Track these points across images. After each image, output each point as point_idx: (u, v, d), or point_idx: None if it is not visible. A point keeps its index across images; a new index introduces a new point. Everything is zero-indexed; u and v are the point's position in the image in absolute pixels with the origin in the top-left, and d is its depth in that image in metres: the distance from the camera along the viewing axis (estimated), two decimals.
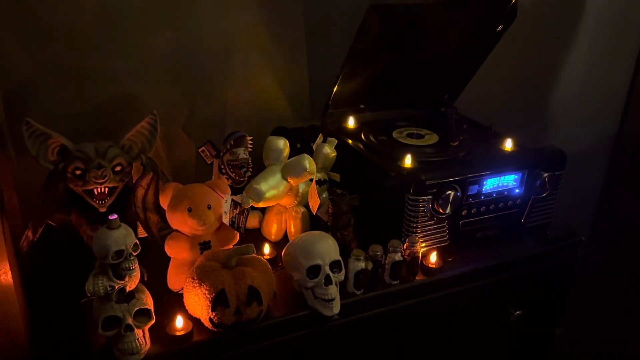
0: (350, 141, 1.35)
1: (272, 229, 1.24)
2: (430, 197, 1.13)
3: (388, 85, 1.47)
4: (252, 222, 1.27)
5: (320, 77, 1.47)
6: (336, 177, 1.31)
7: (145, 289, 0.96)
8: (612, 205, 2.09)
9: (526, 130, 1.73)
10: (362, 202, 1.18)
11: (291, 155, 1.20)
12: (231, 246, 1.10)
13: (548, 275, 1.31)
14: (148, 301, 0.94)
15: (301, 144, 1.39)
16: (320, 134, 1.34)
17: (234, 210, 1.09)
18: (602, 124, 2.01)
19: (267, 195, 1.11)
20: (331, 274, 1.02)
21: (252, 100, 1.44)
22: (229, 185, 1.21)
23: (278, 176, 1.14)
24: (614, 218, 2.08)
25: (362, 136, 1.37)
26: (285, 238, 1.25)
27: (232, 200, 1.08)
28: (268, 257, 1.17)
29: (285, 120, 1.48)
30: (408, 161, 1.20)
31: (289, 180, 1.14)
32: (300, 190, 1.23)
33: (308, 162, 1.12)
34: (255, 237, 1.27)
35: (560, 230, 1.32)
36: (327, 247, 1.03)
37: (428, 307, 1.18)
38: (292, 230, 1.23)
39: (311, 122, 1.49)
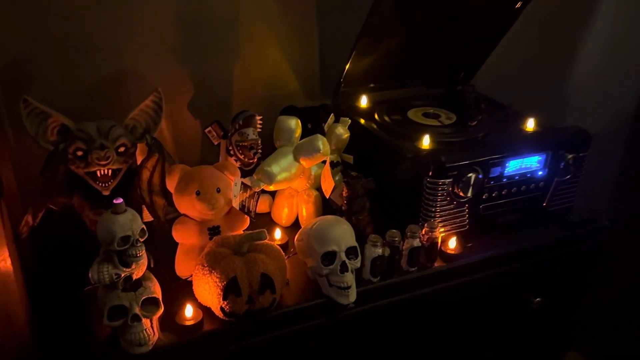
0: (363, 121, 1.29)
1: (283, 214, 1.19)
2: (451, 180, 1.07)
3: (403, 62, 1.40)
4: (262, 206, 1.22)
5: (332, 53, 1.40)
6: (349, 158, 1.25)
7: (153, 277, 0.91)
8: (629, 187, 2.03)
9: (543, 109, 1.67)
10: (377, 186, 1.12)
11: (302, 136, 1.14)
12: (241, 231, 1.05)
13: (570, 262, 1.26)
14: (156, 289, 0.89)
15: (312, 124, 1.32)
16: (332, 114, 1.28)
17: (244, 194, 1.03)
18: (620, 102, 1.94)
19: (279, 177, 1.05)
20: (347, 261, 0.96)
21: (259, 78, 1.37)
22: (237, 167, 1.15)
23: (290, 158, 1.08)
24: (632, 200, 2.02)
25: (376, 116, 1.31)
26: (296, 223, 1.20)
27: (242, 183, 1.03)
28: (279, 243, 1.11)
29: (295, 99, 1.41)
30: (426, 142, 1.14)
31: (302, 162, 1.08)
32: (313, 173, 1.17)
33: (321, 142, 1.06)
34: (265, 221, 1.21)
35: (582, 214, 1.27)
36: (342, 233, 0.98)
37: (446, 295, 1.13)
38: (304, 214, 1.17)
39: (322, 101, 1.43)
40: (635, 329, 1.96)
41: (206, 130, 1.23)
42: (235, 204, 1.01)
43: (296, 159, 1.08)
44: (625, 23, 1.79)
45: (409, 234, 1.04)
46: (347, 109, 1.36)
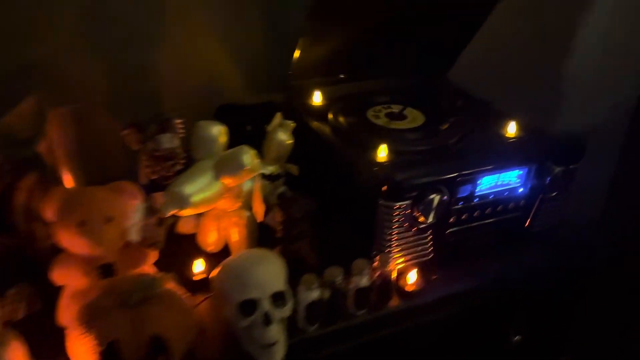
0: (313, 123, 1.07)
1: (210, 238, 0.98)
2: (409, 202, 0.87)
3: (365, 50, 1.17)
4: (186, 225, 1.01)
5: (284, 40, 1.17)
6: (294, 169, 1.04)
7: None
8: (626, 189, 1.82)
9: (531, 106, 1.46)
10: (326, 206, 0.92)
11: (238, 142, 0.92)
12: (146, 268, 0.84)
13: (557, 291, 1.06)
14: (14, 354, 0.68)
15: (253, 126, 1.11)
16: (279, 113, 1.06)
17: (149, 221, 0.82)
18: (619, 95, 1.72)
19: (194, 200, 0.84)
20: (273, 310, 0.76)
21: (192, 69, 1.15)
22: (154, 182, 0.95)
23: (209, 174, 0.86)
24: (627, 202, 1.81)
25: (330, 116, 1.09)
26: (228, 248, 0.99)
27: (146, 207, 0.82)
28: (201, 277, 0.91)
29: (237, 95, 1.19)
30: (382, 152, 0.93)
31: (223, 181, 0.87)
32: (245, 189, 0.96)
33: (247, 156, 0.84)
34: (190, 246, 1.00)
35: (572, 234, 1.06)
36: (267, 274, 0.78)
37: (406, 338, 0.93)
38: (235, 240, 0.96)
39: (272, 97, 1.21)
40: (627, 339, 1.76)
41: (123, 133, 1.01)
42: (134, 236, 0.80)
43: (217, 177, 0.87)
44: (627, 10, 1.57)
45: (354, 271, 0.84)
46: (298, 106, 1.14)
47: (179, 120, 0.97)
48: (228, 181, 0.87)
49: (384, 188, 0.86)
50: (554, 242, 1.03)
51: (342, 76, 1.20)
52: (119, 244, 0.80)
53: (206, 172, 0.86)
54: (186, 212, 0.86)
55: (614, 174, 1.83)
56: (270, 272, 0.78)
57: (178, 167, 0.96)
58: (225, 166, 0.86)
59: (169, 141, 0.94)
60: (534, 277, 1.02)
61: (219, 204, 0.93)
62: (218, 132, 0.89)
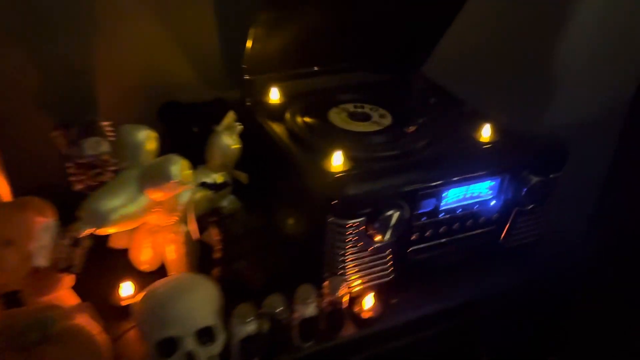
0: (269, 124, 0.96)
1: (143, 256, 0.87)
2: (363, 219, 0.76)
3: (331, 40, 1.05)
4: (119, 240, 0.90)
5: (239, 25, 1.03)
6: (243, 177, 0.93)
7: None
8: (620, 190, 1.71)
9: (514, 102, 1.36)
10: (276, 220, 0.81)
11: (186, 146, 0.82)
12: (63, 294, 0.74)
13: (533, 314, 0.96)
14: None
15: (201, 127, 1.00)
16: (231, 112, 0.95)
17: (62, 242, 0.72)
18: (612, 90, 1.61)
19: (114, 217, 0.73)
20: (198, 349, 0.66)
21: (132, 61, 1.02)
22: (81, 192, 0.84)
23: (133, 187, 0.75)
24: (620, 205, 1.71)
25: (287, 115, 0.98)
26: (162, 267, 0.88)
27: (59, 226, 0.71)
28: (130, 302, 0.80)
29: (188, 93, 1.07)
30: (337, 160, 0.82)
31: (149, 195, 0.76)
32: (183, 201, 0.85)
33: (175, 167, 0.73)
34: (123, 264, 0.89)
35: (553, 248, 0.96)
36: (191, 307, 0.67)
37: None
38: (171, 258, 0.85)
39: (228, 94, 1.09)
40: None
41: (52, 135, 0.90)
42: (42, 261, 0.69)
43: (141, 189, 0.76)
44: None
45: (298, 300, 0.73)
46: (253, 105, 1.03)
47: (106, 123, 0.86)
48: (155, 195, 0.76)
49: (334, 203, 0.75)
50: (530, 260, 0.93)
51: (303, 71, 1.08)
52: (24, 269, 0.69)
53: (129, 184, 0.75)
54: (105, 231, 0.75)
55: (606, 179, 1.72)
56: (195, 305, 0.68)
57: (104, 177, 0.85)
58: (150, 178, 0.75)
59: (93, 147, 0.83)
60: (508, 298, 0.91)
61: (151, 219, 0.82)
62: (145, 137, 0.78)
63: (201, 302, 0.68)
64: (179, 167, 0.74)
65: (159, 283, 0.71)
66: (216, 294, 0.71)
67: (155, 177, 0.74)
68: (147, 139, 0.78)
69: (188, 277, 0.72)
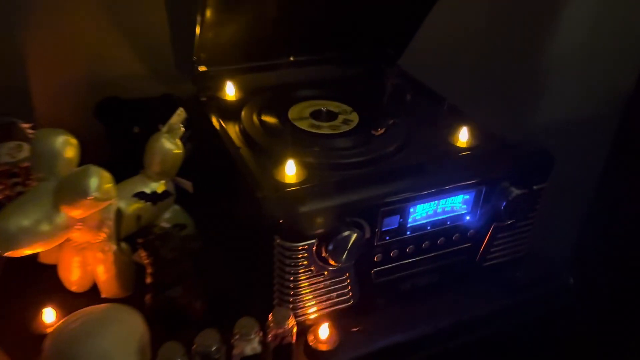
0: (222, 124, 0.85)
1: (72, 276, 0.76)
2: (315, 241, 0.66)
3: (296, 28, 0.95)
4: (51, 255, 0.79)
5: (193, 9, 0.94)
6: (188, 186, 0.82)
7: None
8: (611, 193, 1.61)
9: (500, 98, 1.26)
10: (225, 237, 0.71)
11: (126, 148, 0.72)
12: None
13: (512, 338, 0.87)
14: None
15: (143, 127, 0.89)
16: (180, 109, 0.84)
17: None
18: (611, 85, 1.50)
19: (24, 238, 0.63)
20: None
21: (68, 50, 0.91)
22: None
23: (48, 202, 0.65)
24: (612, 211, 1.61)
25: (243, 114, 0.88)
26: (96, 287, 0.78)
27: None
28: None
29: (129, 86, 0.96)
30: (290, 169, 0.71)
31: (65, 211, 0.65)
32: (108, 216, 0.74)
33: (93, 180, 0.62)
34: (54, 283, 0.78)
35: (535, 267, 0.87)
36: (102, 351, 0.57)
37: None
38: (102, 279, 0.75)
39: (178, 88, 0.98)
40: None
41: None
42: None
43: (56, 205, 0.65)
44: None
45: (237, 335, 0.63)
46: (209, 100, 0.92)
47: (27, 125, 0.75)
48: (73, 212, 0.65)
49: (280, 222, 0.64)
50: (510, 280, 0.83)
51: (263, 63, 0.97)
52: None
53: (43, 199, 0.65)
54: (14, 253, 0.64)
55: (597, 187, 1.62)
56: (109, 345, 0.57)
57: (26, 187, 0.74)
58: (65, 193, 0.64)
59: (9, 153, 0.72)
60: (484, 321, 0.82)
61: (75, 236, 0.72)
62: (62, 144, 0.67)
63: (119, 340, 0.58)
64: (98, 180, 0.63)
65: (73, 316, 0.61)
66: (139, 329, 0.61)
67: (70, 192, 0.63)
68: (66, 145, 0.67)
69: (105, 310, 0.62)
